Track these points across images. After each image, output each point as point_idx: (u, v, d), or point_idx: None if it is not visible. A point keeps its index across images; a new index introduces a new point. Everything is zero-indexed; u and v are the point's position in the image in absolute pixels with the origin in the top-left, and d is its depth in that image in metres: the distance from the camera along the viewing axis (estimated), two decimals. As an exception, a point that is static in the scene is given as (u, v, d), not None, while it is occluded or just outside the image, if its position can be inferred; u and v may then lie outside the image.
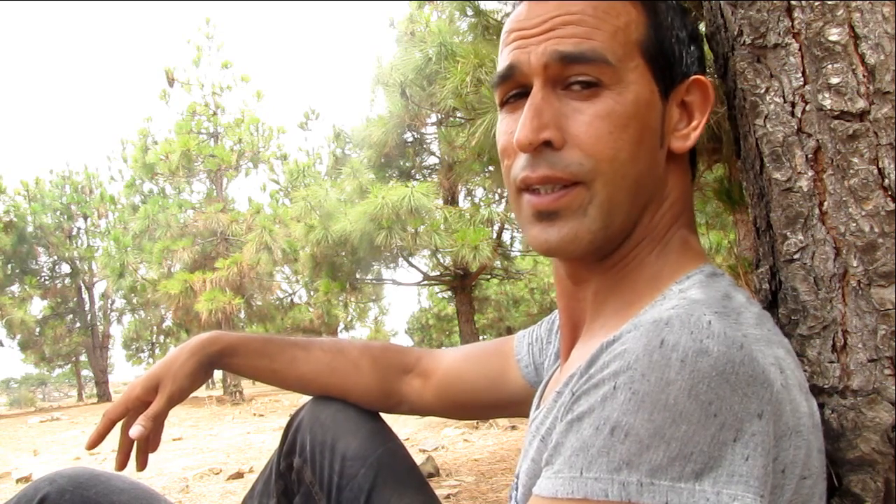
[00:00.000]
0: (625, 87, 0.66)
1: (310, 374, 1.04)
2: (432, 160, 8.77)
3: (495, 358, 1.01)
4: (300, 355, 1.04)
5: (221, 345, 1.02)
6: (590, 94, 0.66)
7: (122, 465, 0.98)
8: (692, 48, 0.72)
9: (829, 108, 0.67)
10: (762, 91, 0.74)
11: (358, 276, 8.82)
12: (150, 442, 0.99)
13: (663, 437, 0.50)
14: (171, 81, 13.87)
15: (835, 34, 0.66)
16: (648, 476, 0.49)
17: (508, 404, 1.00)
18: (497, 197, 7.88)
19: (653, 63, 0.68)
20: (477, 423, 5.65)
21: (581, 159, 0.65)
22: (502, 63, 0.70)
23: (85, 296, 18.53)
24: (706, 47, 0.80)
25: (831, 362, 0.70)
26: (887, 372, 0.66)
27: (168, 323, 17.85)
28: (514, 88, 0.70)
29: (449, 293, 11.32)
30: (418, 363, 1.07)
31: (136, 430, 0.95)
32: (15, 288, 16.72)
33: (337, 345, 1.07)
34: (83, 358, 20.07)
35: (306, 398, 1.08)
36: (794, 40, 0.70)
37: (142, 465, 0.99)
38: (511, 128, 0.70)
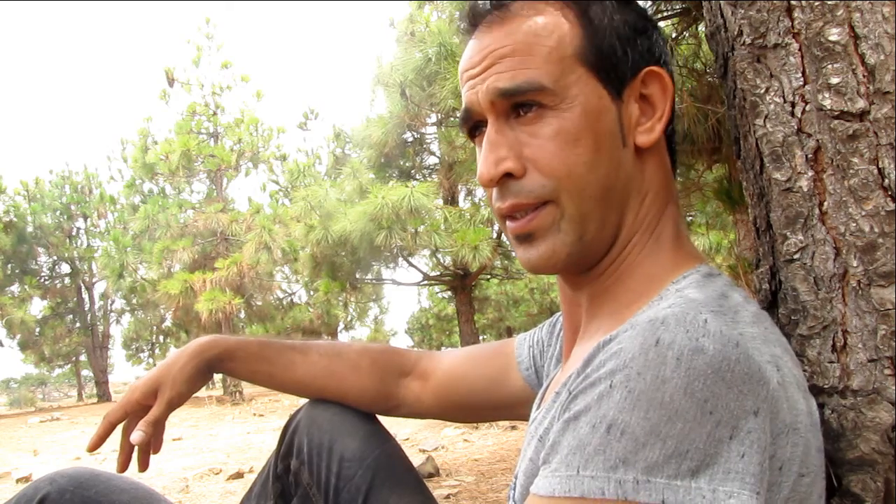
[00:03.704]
0: (569, 102, 0.67)
1: (307, 378, 1.04)
2: (432, 160, 8.77)
3: (495, 359, 1.01)
4: (298, 359, 1.04)
5: (220, 349, 1.03)
6: (536, 117, 0.68)
7: (123, 467, 0.98)
8: (639, 42, 0.71)
9: (829, 108, 0.67)
10: (762, 91, 0.74)
11: (358, 276, 8.81)
12: (151, 445, 1.00)
13: (659, 435, 0.50)
14: (171, 81, 13.87)
15: (835, 34, 0.66)
16: (645, 474, 0.50)
17: (507, 406, 1.00)
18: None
19: (595, 69, 0.68)
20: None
21: (542, 181, 0.68)
22: (463, 104, 0.74)
23: (85, 296, 18.53)
24: (705, 46, 0.80)
25: (831, 362, 0.70)
26: (887, 372, 0.66)
27: (168, 323, 17.86)
28: (477, 126, 0.74)
29: (449, 293, 11.32)
30: (417, 365, 1.06)
31: (136, 436, 0.96)
32: (15, 288, 16.72)
33: (335, 348, 1.07)
34: (83, 358, 20.06)
35: (306, 399, 1.07)
36: (794, 40, 0.70)
37: (143, 465, 0.99)
38: None
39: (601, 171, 0.68)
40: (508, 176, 0.69)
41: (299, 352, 1.05)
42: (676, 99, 0.78)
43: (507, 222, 0.72)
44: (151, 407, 0.99)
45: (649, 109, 0.72)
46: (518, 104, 0.68)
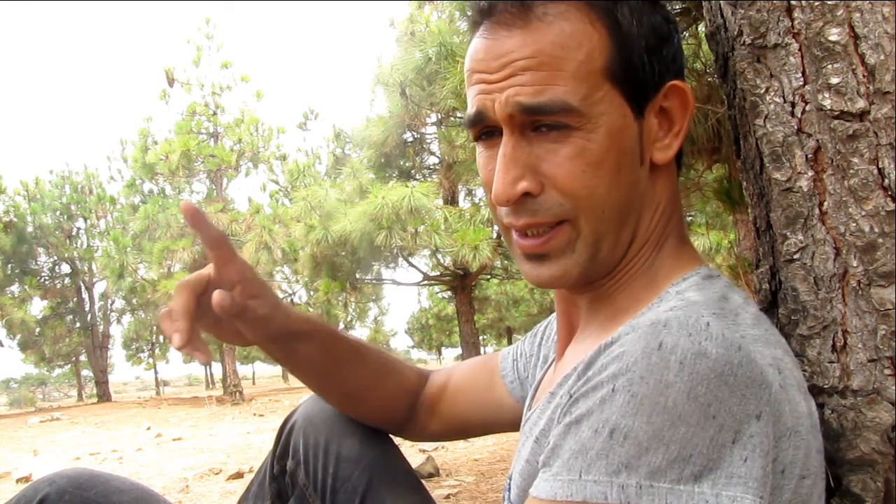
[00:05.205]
0: (594, 122, 0.64)
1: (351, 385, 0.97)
2: (432, 160, 8.78)
3: (481, 376, 0.99)
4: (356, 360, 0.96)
5: (297, 327, 0.90)
6: (559, 136, 0.64)
7: (207, 357, 0.81)
8: (663, 51, 0.68)
9: (829, 108, 0.67)
10: (762, 91, 0.73)
11: (358, 276, 8.82)
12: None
13: (662, 440, 0.50)
14: (171, 81, 13.88)
15: (835, 34, 0.66)
16: (647, 478, 0.49)
17: (496, 422, 0.98)
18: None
19: (622, 85, 0.65)
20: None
21: (560, 200, 0.65)
22: (470, 106, 0.69)
23: (85, 296, 18.54)
24: (705, 46, 0.79)
25: (831, 362, 0.70)
26: (887, 372, 0.66)
27: (168, 323, 17.81)
28: (487, 128, 0.69)
29: (449, 293, 11.32)
30: (426, 395, 1.03)
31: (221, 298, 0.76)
32: (15, 288, 16.74)
33: (386, 364, 1.01)
34: (83, 358, 20.08)
35: (304, 398, 1.07)
36: (794, 40, 0.70)
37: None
38: (490, 165, 0.68)
39: (620, 193, 0.66)
40: (525, 195, 0.65)
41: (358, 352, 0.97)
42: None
43: (516, 237, 0.69)
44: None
45: (667, 124, 0.69)
46: (538, 122, 0.64)
